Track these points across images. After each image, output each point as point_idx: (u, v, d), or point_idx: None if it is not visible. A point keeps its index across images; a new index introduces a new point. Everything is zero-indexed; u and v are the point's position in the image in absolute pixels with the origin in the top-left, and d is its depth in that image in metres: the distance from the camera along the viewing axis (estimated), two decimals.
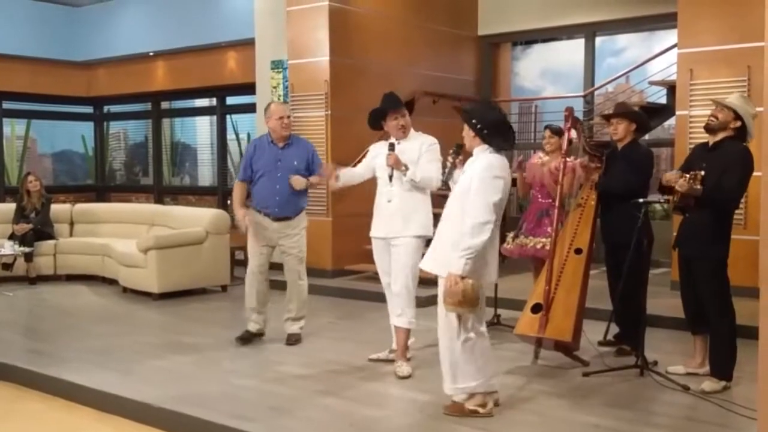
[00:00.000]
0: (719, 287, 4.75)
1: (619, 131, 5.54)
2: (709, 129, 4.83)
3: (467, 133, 4.29)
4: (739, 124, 4.73)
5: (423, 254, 5.19)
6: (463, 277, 4.01)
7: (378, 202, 5.37)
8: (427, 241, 5.29)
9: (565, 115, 5.51)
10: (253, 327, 6.17)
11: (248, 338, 6.14)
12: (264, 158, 6.00)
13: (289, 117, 6.05)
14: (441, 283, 4.20)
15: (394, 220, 5.23)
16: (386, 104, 5.30)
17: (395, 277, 5.26)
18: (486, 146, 4.24)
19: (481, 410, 4.33)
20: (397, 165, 5.15)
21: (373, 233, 5.40)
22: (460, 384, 4.31)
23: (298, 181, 5.88)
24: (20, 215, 9.31)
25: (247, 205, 6.09)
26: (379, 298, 5.54)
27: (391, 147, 5.23)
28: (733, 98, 4.82)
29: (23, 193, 9.43)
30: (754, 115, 4.80)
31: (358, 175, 5.57)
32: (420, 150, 5.20)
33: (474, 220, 4.03)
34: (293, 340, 6.13)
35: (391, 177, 5.24)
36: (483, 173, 4.10)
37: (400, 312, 5.25)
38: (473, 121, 4.23)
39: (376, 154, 5.39)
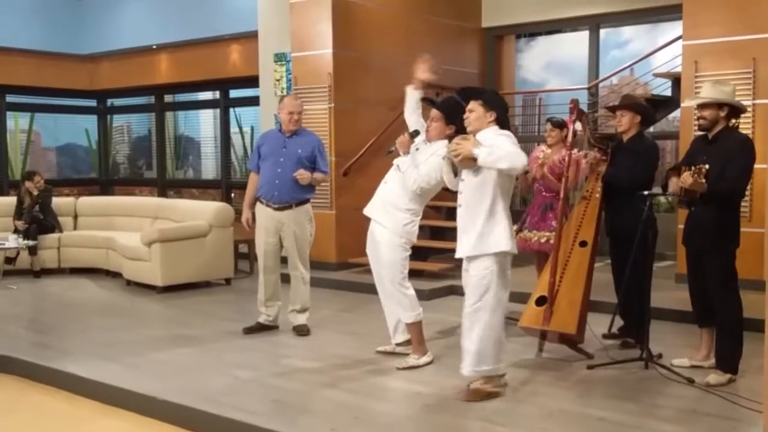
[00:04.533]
0: (727, 280, 4.73)
1: (623, 123, 5.53)
2: (704, 128, 4.82)
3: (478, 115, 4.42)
4: (726, 110, 4.73)
5: (405, 254, 5.23)
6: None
7: None
8: (416, 250, 5.34)
9: (570, 108, 5.50)
10: (262, 319, 6.26)
11: (255, 329, 6.21)
12: (270, 145, 6.14)
13: (299, 113, 6.11)
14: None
15: (377, 200, 5.30)
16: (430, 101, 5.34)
17: (378, 272, 5.31)
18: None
19: (499, 390, 4.51)
20: (400, 144, 5.16)
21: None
22: (483, 366, 4.44)
23: (303, 176, 5.95)
24: (20, 211, 9.26)
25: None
26: None
27: (413, 133, 5.22)
28: (705, 92, 4.79)
29: (24, 192, 9.31)
30: (732, 91, 4.80)
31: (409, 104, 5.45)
32: (431, 154, 5.13)
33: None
34: (304, 330, 6.17)
35: (390, 152, 5.33)
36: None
37: (398, 310, 5.29)
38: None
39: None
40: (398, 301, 5.23)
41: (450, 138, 4.48)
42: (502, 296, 4.43)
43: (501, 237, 4.37)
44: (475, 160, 4.20)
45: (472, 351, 4.41)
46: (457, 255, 4.49)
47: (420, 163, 5.06)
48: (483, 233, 4.35)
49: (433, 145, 5.13)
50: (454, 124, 5.07)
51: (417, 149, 5.18)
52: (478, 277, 4.38)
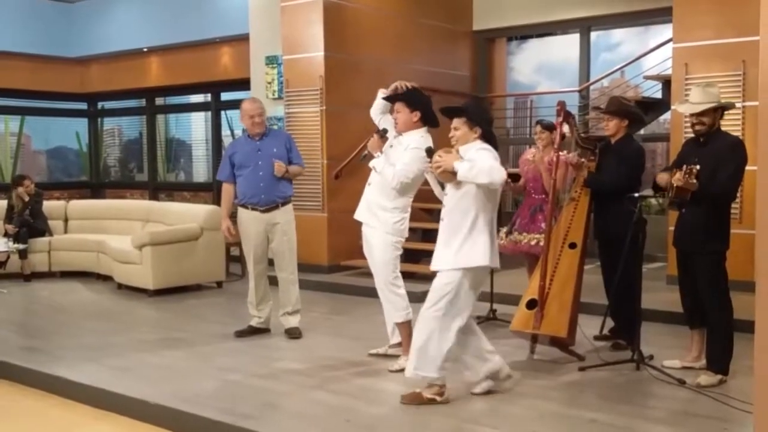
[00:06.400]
0: (717, 281, 4.75)
1: (610, 127, 5.57)
2: (702, 133, 4.81)
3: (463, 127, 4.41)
4: (720, 113, 4.78)
5: (397, 253, 5.26)
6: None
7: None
8: (408, 252, 5.34)
9: (557, 110, 5.50)
10: (254, 322, 6.27)
11: (246, 333, 6.21)
12: (243, 152, 6.14)
13: (260, 115, 6.11)
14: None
15: (364, 204, 5.32)
16: (389, 97, 5.30)
17: (375, 273, 5.31)
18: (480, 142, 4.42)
19: (438, 398, 4.46)
20: (372, 146, 5.17)
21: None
22: (424, 371, 4.41)
23: (279, 166, 5.96)
24: (11, 216, 9.22)
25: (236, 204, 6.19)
26: (375, 293, 5.53)
27: (381, 132, 5.24)
28: (697, 96, 4.79)
29: (15, 197, 9.28)
30: (719, 92, 4.84)
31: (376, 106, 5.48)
32: (404, 149, 5.13)
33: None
34: (296, 333, 6.17)
35: (364, 157, 5.33)
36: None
37: (389, 309, 5.30)
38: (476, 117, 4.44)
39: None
40: (389, 300, 5.24)
41: (430, 153, 4.51)
42: (462, 308, 4.37)
43: (479, 252, 4.33)
44: (455, 174, 4.22)
45: (415, 352, 4.40)
46: (433, 267, 4.48)
47: (395, 160, 5.07)
48: (461, 248, 4.33)
49: (405, 138, 5.14)
50: (418, 108, 5.11)
51: (391, 146, 5.19)
52: (443, 284, 4.37)
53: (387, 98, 5.31)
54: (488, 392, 4.61)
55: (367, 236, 5.31)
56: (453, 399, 4.51)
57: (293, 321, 6.21)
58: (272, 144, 6.11)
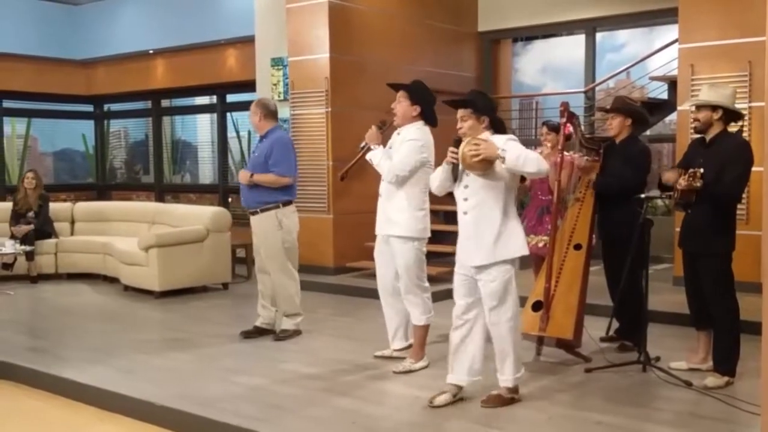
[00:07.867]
0: (723, 282, 4.73)
1: (613, 126, 5.53)
2: (699, 131, 4.83)
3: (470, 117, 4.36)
4: (720, 113, 4.72)
5: (420, 255, 5.22)
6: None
7: None
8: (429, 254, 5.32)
9: (560, 110, 5.47)
10: (258, 322, 6.26)
11: (252, 333, 6.20)
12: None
13: (251, 116, 6.06)
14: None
15: (381, 216, 5.27)
16: (395, 85, 5.25)
17: (400, 278, 5.26)
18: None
19: (516, 396, 4.48)
20: (369, 138, 5.14)
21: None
22: (520, 372, 4.48)
23: (240, 175, 5.95)
24: (16, 216, 9.26)
25: None
26: None
27: (380, 124, 5.22)
28: (702, 94, 4.82)
29: (20, 190, 9.36)
30: (731, 94, 4.81)
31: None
32: (401, 141, 5.11)
33: None
34: (280, 336, 6.15)
35: (362, 147, 5.30)
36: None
37: (411, 310, 5.28)
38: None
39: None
40: (414, 303, 5.21)
41: (457, 142, 4.28)
42: (517, 297, 4.44)
43: (519, 240, 4.37)
44: (491, 162, 4.11)
45: (512, 358, 4.38)
46: (473, 263, 4.32)
47: (392, 155, 5.05)
48: (499, 238, 4.27)
49: (402, 132, 5.11)
50: (419, 103, 5.08)
51: (390, 147, 5.17)
52: (500, 283, 4.30)
53: (392, 85, 5.25)
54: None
55: (389, 242, 5.23)
56: (458, 401, 4.51)
57: (285, 323, 6.20)
58: (261, 147, 6.03)
